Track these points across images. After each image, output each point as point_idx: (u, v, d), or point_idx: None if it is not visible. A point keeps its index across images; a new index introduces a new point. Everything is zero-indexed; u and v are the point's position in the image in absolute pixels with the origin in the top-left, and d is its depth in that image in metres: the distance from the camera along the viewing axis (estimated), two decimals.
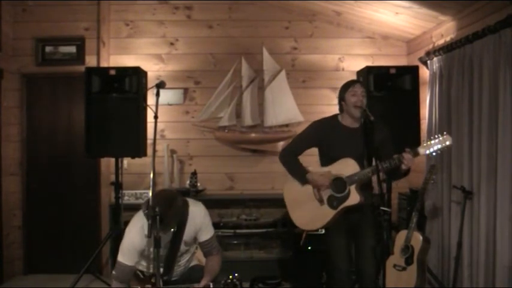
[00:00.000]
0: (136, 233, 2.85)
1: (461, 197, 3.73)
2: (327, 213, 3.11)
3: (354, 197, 3.03)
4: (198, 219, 2.99)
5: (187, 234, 2.95)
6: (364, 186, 3.09)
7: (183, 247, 3.00)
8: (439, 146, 2.88)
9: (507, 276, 3.30)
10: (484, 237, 3.55)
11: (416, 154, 2.92)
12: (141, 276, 3.04)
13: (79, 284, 4.28)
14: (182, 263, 3.09)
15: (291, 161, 3.26)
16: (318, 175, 3.12)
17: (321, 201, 3.14)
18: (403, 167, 2.91)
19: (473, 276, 3.70)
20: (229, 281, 2.78)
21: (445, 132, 2.97)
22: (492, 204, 3.46)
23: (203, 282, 2.87)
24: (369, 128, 2.95)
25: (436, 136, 2.97)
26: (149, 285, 2.95)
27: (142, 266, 3.01)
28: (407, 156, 2.89)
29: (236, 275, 2.78)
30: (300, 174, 3.20)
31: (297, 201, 3.27)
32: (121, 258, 2.88)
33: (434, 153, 2.95)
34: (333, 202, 3.10)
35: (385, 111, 4.04)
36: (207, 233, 3.05)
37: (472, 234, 3.73)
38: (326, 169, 3.16)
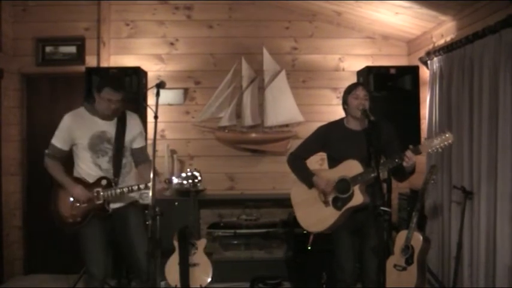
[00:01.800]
0: (70, 115, 3.18)
1: (462, 197, 3.73)
2: (332, 215, 3.13)
3: (358, 198, 3.04)
4: (138, 125, 3.31)
5: (128, 134, 3.19)
6: (371, 188, 3.08)
7: (124, 150, 3.20)
8: (441, 144, 2.88)
9: (507, 276, 3.30)
10: (484, 237, 3.55)
11: (417, 151, 2.92)
12: (89, 182, 3.15)
13: (79, 284, 4.29)
14: (125, 171, 3.24)
15: (298, 165, 3.32)
16: (323, 182, 3.16)
17: (326, 202, 3.16)
18: (405, 164, 2.91)
19: (474, 276, 3.70)
20: (190, 173, 2.98)
21: (446, 130, 2.96)
22: (492, 204, 3.46)
23: (160, 180, 3.05)
24: (373, 129, 2.95)
25: (438, 133, 2.97)
26: (99, 189, 3.10)
27: (90, 175, 3.15)
28: (408, 153, 2.89)
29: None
30: (307, 178, 3.25)
31: (303, 203, 3.30)
32: (53, 140, 3.19)
33: (436, 150, 2.94)
34: (337, 203, 3.12)
35: (386, 111, 4.04)
36: (141, 141, 3.33)
37: (472, 234, 3.73)
38: (331, 171, 3.20)
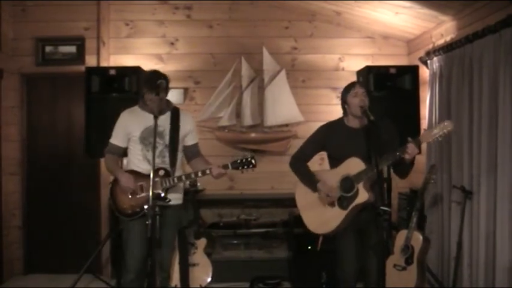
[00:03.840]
0: (125, 112, 3.37)
1: (461, 197, 3.73)
2: (339, 214, 3.11)
3: (363, 195, 3.01)
4: (190, 123, 3.45)
5: (182, 130, 3.34)
6: (372, 188, 3.07)
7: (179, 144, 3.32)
8: (441, 132, 2.87)
9: (507, 277, 3.30)
10: (484, 237, 3.55)
11: (418, 142, 2.91)
12: (145, 173, 3.21)
13: (79, 284, 4.29)
14: (178, 164, 3.34)
15: (301, 168, 3.32)
16: (327, 188, 3.14)
17: (331, 203, 3.15)
18: (407, 156, 2.90)
19: (473, 276, 3.70)
20: (244, 159, 3.12)
21: (445, 119, 2.94)
22: (492, 204, 3.46)
23: (214, 165, 3.18)
24: (373, 126, 2.94)
25: (437, 123, 2.96)
26: (157, 179, 3.15)
27: (141, 168, 3.26)
28: (410, 145, 2.89)
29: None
30: (311, 183, 3.24)
31: (309, 205, 3.28)
32: (110, 139, 3.35)
33: (436, 139, 2.93)
34: (343, 202, 3.10)
35: (385, 111, 4.03)
36: (194, 138, 3.48)
37: (472, 234, 3.72)
38: (334, 171, 3.18)
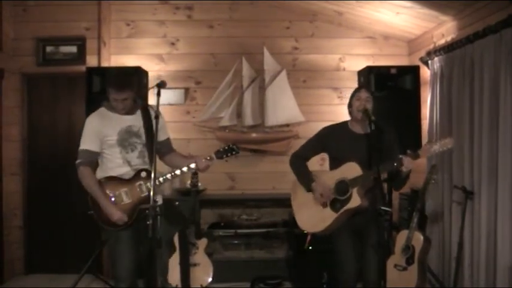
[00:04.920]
0: (94, 116, 3.16)
1: (462, 197, 3.73)
2: (329, 216, 3.13)
3: (355, 200, 3.03)
4: (161, 118, 3.19)
5: (155, 125, 3.13)
6: (372, 189, 3.07)
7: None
8: (440, 149, 2.89)
9: (508, 277, 3.30)
10: (485, 238, 3.55)
11: (416, 156, 2.93)
12: (126, 178, 3.13)
13: (79, 284, 4.29)
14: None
15: (299, 166, 3.33)
16: (321, 188, 3.16)
17: (324, 204, 3.16)
18: (404, 169, 2.92)
19: (474, 276, 3.70)
20: (226, 147, 3.15)
21: (447, 136, 2.97)
22: (493, 204, 3.46)
23: (199, 158, 3.15)
24: (376, 132, 2.95)
25: (438, 139, 2.99)
26: (141, 182, 3.09)
27: (121, 172, 3.12)
28: (406, 159, 2.90)
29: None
30: (306, 182, 3.25)
31: (302, 204, 3.30)
32: (83, 145, 3.11)
33: (434, 154, 2.96)
34: (335, 205, 3.12)
35: (386, 111, 4.03)
36: (166, 134, 3.37)
37: (473, 235, 3.72)
38: (331, 173, 3.20)
